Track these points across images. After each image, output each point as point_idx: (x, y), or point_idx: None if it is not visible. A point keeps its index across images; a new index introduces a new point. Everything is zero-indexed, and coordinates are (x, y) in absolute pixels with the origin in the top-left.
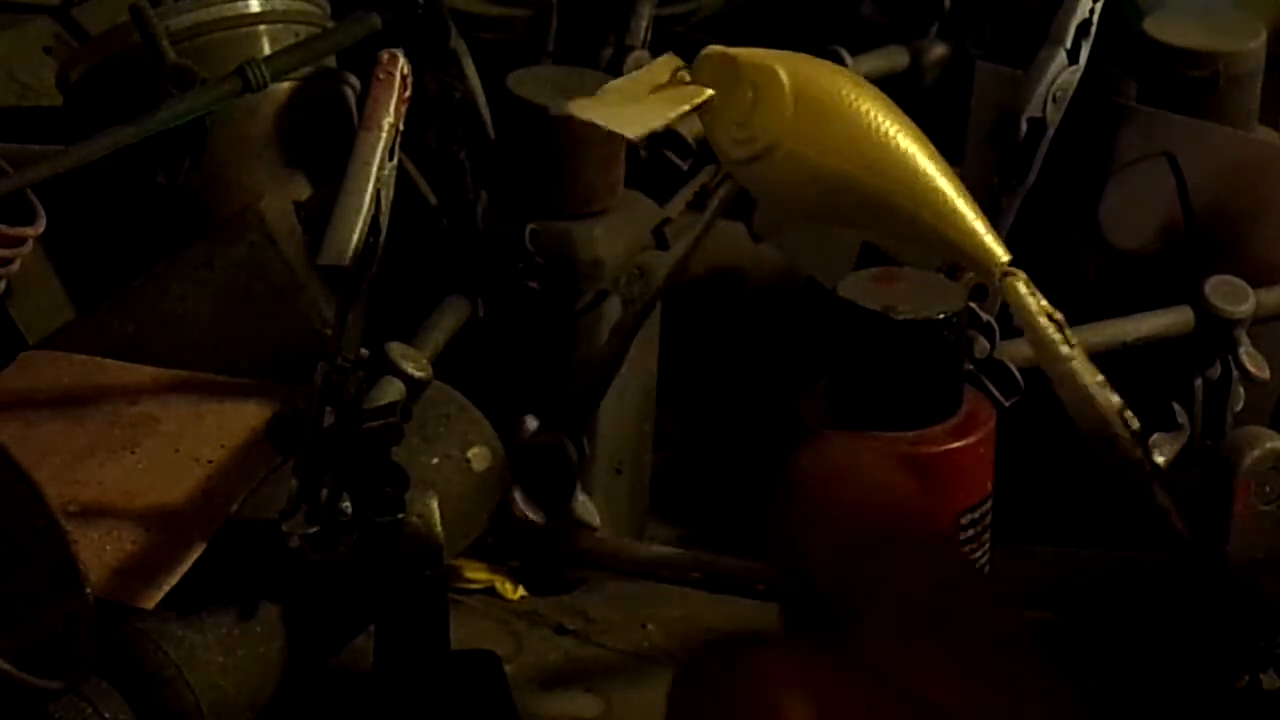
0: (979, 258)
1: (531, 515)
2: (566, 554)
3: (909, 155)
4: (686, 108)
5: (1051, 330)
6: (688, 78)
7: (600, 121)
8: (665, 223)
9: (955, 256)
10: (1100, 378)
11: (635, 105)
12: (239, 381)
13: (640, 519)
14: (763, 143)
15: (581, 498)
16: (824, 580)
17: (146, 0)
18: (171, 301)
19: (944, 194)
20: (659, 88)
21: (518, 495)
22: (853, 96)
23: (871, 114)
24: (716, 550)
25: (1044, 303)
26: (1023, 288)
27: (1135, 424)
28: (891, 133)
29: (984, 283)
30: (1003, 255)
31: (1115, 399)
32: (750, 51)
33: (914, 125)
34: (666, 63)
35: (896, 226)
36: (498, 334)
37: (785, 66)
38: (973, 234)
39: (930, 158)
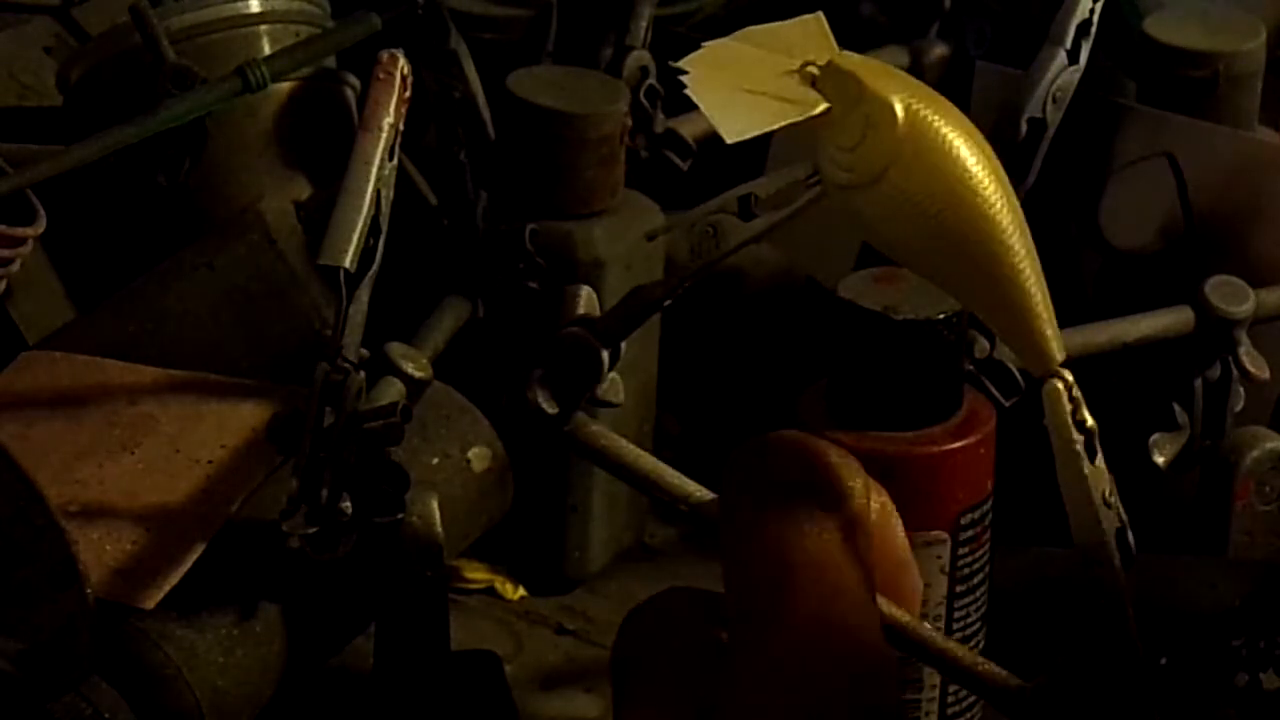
0: (1035, 348)
1: (544, 404)
2: (565, 440)
3: (1002, 224)
4: (798, 119)
5: (1078, 444)
6: (815, 73)
7: (702, 102)
8: (750, 196)
9: (1012, 336)
10: (1111, 492)
11: (747, 98)
12: (239, 381)
13: (640, 519)
14: (863, 176)
15: (613, 375)
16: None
17: (146, 0)
18: (171, 301)
19: (1025, 272)
20: (787, 63)
21: (536, 378)
22: (964, 153)
23: (978, 174)
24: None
25: (1083, 412)
26: (1062, 393)
27: (1130, 548)
28: (991, 198)
29: (1031, 374)
30: (1059, 355)
31: (1117, 521)
32: (875, 76)
33: (1013, 193)
34: (815, 27)
35: (969, 289)
36: (498, 334)
37: (904, 103)
38: (1039, 321)
39: (1021, 230)
